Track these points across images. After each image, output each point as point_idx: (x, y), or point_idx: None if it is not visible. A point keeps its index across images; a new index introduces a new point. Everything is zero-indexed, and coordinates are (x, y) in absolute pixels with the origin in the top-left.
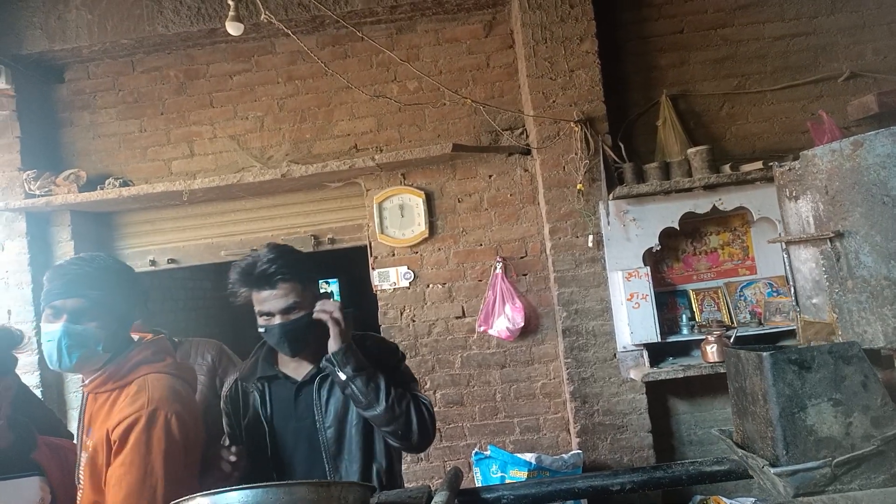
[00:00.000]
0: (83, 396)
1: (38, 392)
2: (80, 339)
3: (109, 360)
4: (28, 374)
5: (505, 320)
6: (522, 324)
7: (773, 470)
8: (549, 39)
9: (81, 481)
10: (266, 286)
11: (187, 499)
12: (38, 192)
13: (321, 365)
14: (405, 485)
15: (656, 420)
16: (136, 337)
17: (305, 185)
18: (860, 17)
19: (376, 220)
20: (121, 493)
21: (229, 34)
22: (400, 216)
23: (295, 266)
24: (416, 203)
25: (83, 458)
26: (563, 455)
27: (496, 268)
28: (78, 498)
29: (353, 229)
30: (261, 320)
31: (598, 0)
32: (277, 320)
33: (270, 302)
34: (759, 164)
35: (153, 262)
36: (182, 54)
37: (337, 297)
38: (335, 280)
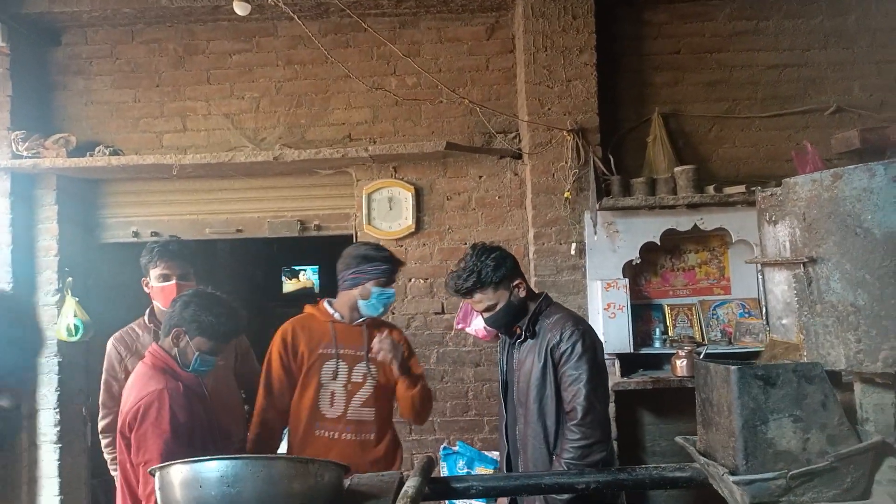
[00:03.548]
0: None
1: None
2: (392, 297)
3: None
4: None
5: (482, 320)
6: None
7: (731, 478)
8: (549, 48)
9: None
10: (466, 296)
11: (167, 465)
12: (25, 154)
13: None
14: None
15: (623, 428)
16: None
17: (296, 170)
18: (850, 53)
19: (364, 210)
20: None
21: (233, 12)
22: (388, 209)
23: (481, 278)
24: (405, 197)
25: (363, 364)
26: None
27: None
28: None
29: (339, 217)
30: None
31: (599, 14)
32: (484, 315)
33: (474, 306)
34: (741, 188)
35: (136, 234)
36: (183, 29)
37: (316, 284)
38: (316, 267)
